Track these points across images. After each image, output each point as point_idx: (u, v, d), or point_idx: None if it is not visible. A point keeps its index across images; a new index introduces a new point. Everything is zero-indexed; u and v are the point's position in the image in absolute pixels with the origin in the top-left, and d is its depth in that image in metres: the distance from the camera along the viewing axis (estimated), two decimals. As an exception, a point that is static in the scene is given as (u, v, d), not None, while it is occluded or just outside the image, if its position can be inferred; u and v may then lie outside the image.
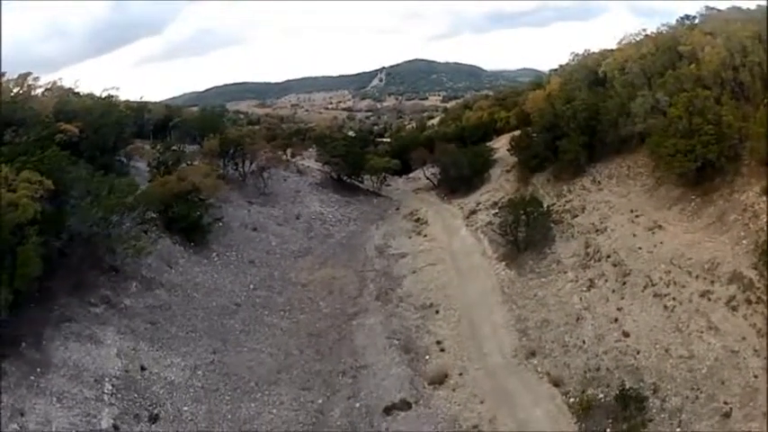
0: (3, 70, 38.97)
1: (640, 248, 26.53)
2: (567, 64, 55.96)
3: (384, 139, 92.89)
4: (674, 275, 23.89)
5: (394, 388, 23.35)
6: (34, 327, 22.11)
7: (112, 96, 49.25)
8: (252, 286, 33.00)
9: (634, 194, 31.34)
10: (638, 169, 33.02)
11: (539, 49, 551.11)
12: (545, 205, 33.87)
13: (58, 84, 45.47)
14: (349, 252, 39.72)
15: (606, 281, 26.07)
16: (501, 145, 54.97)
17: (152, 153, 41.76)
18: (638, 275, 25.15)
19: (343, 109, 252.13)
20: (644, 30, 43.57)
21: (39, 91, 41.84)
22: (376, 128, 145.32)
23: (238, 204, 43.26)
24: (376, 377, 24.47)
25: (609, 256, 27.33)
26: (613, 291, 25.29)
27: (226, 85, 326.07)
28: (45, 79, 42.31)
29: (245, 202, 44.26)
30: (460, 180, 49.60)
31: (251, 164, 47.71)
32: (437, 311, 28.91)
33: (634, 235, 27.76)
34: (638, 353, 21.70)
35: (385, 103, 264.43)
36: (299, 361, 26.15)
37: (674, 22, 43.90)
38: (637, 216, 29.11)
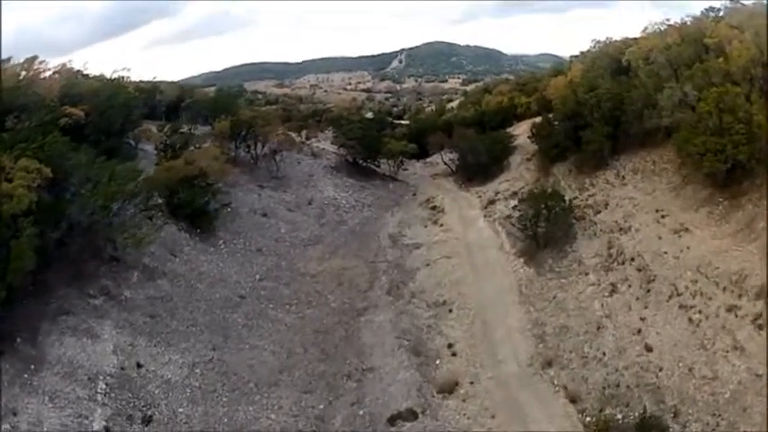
0: (9, 55, 38.38)
1: (666, 253, 24.93)
2: (588, 51, 54.79)
3: (402, 122, 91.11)
4: (701, 285, 22.32)
5: (401, 395, 22.13)
6: (30, 321, 21.13)
7: (121, 78, 48.76)
8: (258, 277, 31.84)
9: (660, 192, 29.61)
10: (664, 165, 31.28)
11: (558, 34, 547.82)
12: (567, 199, 32.30)
13: (68, 66, 45.00)
14: (361, 241, 38.51)
15: (630, 286, 24.53)
16: (521, 131, 53.33)
17: (159, 136, 40.47)
18: (663, 283, 23.59)
19: (363, 90, 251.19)
20: (667, 19, 42.16)
21: (47, 74, 41.24)
22: (395, 110, 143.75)
23: (249, 189, 42.17)
24: (382, 382, 23.25)
25: (633, 260, 25.75)
26: (637, 298, 23.76)
27: (244, 65, 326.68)
28: (57, 62, 41.44)
29: (256, 186, 43.14)
30: (479, 167, 48.10)
31: (263, 146, 46.52)
32: (450, 310, 27.63)
33: (659, 237, 26.13)
34: (660, 370, 20.22)
35: (404, 85, 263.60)
36: (303, 361, 24.97)
37: (698, 13, 42.09)
38: (662, 216, 27.45)
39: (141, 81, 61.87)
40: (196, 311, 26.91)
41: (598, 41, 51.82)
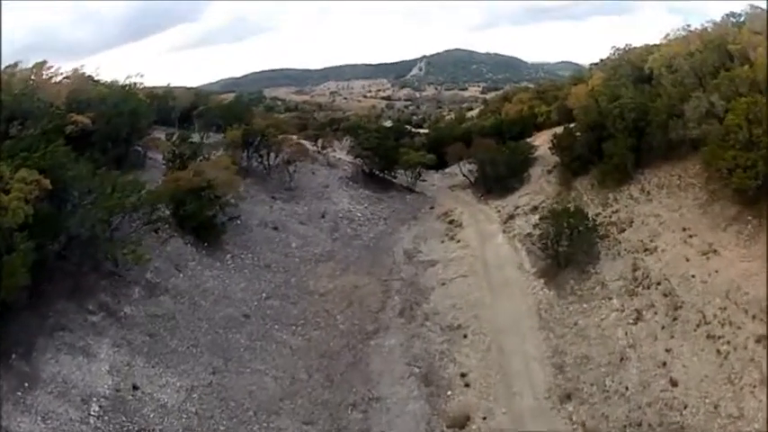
0: (18, 59, 37.92)
1: (693, 276, 23.44)
2: (608, 58, 54.30)
3: (421, 130, 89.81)
4: (730, 313, 20.89)
5: (408, 429, 20.88)
6: (27, 335, 20.28)
7: (133, 84, 48.12)
8: (264, 295, 30.56)
9: (686, 209, 28.08)
10: (690, 180, 29.81)
11: (578, 42, 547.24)
12: (590, 216, 30.77)
13: (80, 71, 44.32)
14: (375, 256, 37.18)
15: (655, 313, 23.02)
16: (541, 142, 51.70)
17: (167, 145, 39.48)
18: (691, 310, 22.12)
19: (382, 97, 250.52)
20: (688, 25, 41.07)
21: (58, 78, 40.71)
22: (414, 118, 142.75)
23: (260, 200, 41.06)
24: (389, 413, 21.96)
25: (659, 284, 24.24)
26: (663, 327, 22.25)
27: (263, 72, 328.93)
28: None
29: (268, 197, 42.02)
30: (498, 179, 46.40)
31: (276, 156, 45.43)
32: (465, 335, 26.24)
33: (687, 259, 24.62)
34: (685, 407, 18.86)
35: (424, 93, 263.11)
36: (306, 387, 23.68)
37: (718, 18, 41.01)
38: (690, 236, 25.93)
39: (155, 87, 62.13)
40: (198, 331, 25.72)
41: (618, 49, 51.78)
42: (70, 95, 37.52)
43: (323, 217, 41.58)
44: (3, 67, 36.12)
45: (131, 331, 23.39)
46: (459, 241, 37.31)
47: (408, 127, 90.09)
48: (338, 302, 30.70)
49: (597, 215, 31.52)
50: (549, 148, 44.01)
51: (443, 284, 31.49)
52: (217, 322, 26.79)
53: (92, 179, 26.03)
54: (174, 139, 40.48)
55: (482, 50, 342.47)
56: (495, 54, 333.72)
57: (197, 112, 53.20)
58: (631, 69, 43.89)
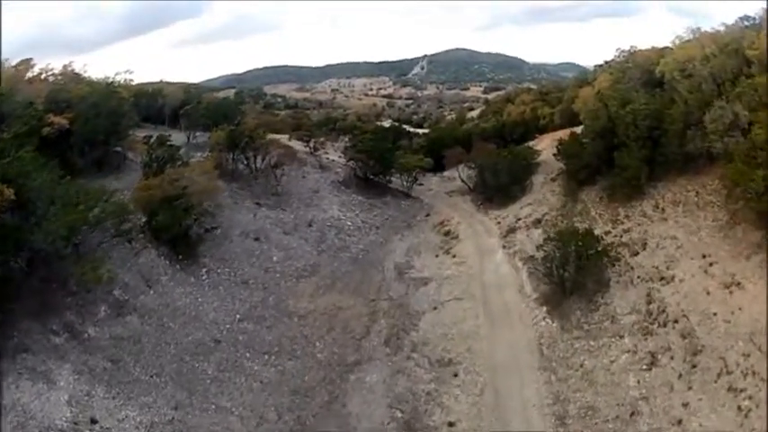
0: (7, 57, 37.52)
1: (715, 314, 20.69)
2: (613, 60, 52.97)
3: (421, 130, 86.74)
4: (753, 361, 18.34)
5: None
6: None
7: (118, 81, 45.89)
8: (238, 316, 28.12)
9: (705, 232, 25.23)
10: (708, 197, 27.05)
11: (580, 43, 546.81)
12: (598, 234, 27.98)
13: (70, 68, 43.33)
14: (363, 272, 34.55)
15: (672, 358, 20.21)
16: (545, 146, 49.06)
17: (143, 148, 36.73)
18: (712, 356, 19.41)
19: (383, 96, 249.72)
20: (698, 27, 38.21)
21: (44, 76, 39.77)
22: (415, 117, 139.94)
23: (244, 206, 38.49)
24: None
25: (676, 321, 21.41)
26: (680, 375, 19.50)
27: (265, 68, 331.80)
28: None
29: (253, 203, 39.39)
30: (499, 187, 43.59)
31: (263, 160, 42.73)
32: (456, 374, 23.48)
33: (707, 292, 21.83)
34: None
35: (426, 92, 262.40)
36: (274, 431, 21.11)
37: (728, 21, 38.26)
38: (710, 264, 23.10)
39: (147, 83, 59.68)
40: (163, 357, 23.67)
41: (623, 50, 50.31)
42: (50, 95, 36.01)
43: (310, 226, 38.94)
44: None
45: (94, 356, 21.92)
46: (455, 256, 34.65)
47: (407, 127, 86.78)
48: (318, 327, 28.18)
49: (606, 233, 28.85)
50: (554, 155, 41.21)
51: (435, 308, 28.83)
52: (185, 347, 24.70)
53: (56, 188, 24.29)
54: (152, 141, 37.66)
55: (484, 50, 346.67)
56: (498, 54, 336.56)
57: (183, 111, 50.30)
58: (641, 72, 41.19)
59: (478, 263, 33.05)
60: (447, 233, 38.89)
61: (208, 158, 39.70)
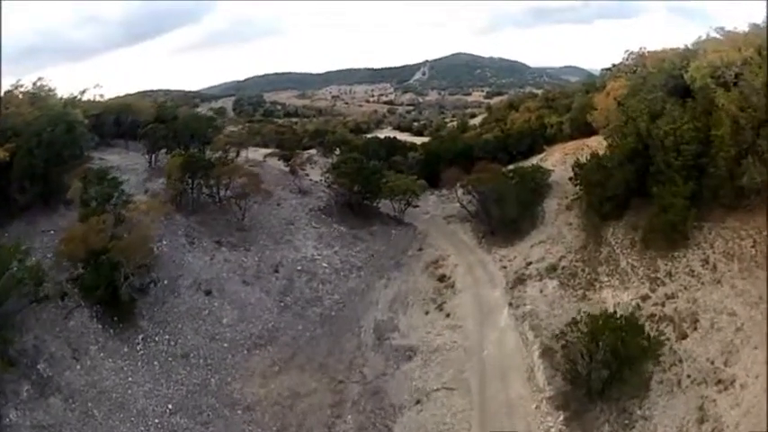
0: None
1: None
2: (621, 63, 47.90)
3: (420, 140, 79.20)
4: None
5: None
6: None
7: (78, 99, 41.50)
8: (171, 407, 21.94)
9: (770, 304, 18.25)
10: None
11: (582, 46, 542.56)
12: (635, 303, 21.22)
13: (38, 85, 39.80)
14: (334, 336, 28.05)
15: None
16: (556, 161, 42.87)
17: (76, 186, 30.18)
18: None
19: (385, 102, 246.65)
20: (721, 28, 31.04)
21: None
22: (416, 124, 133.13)
23: (201, 246, 32.12)
24: None
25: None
26: None
27: (266, 75, 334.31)
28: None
29: (213, 242, 32.94)
30: (504, 220, 36.30)
31: (226, 189, 36.27)
32: None
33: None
34: None
35: (427, 98, 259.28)
36: None
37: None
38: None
39: (113, 98, 53.94)
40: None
41: (632, 53, 46.20)
42: (-1, 122, 31.73)
43: (276, 271, 32.28)
44: None
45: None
46: (448, 315, 27.93)
47: (404, 138, 79.34)
48: (267, 423, 21.83)
49: (644, 299, 21.99)
50: (571, 179, 34.38)
51: (418, 402, 22.20)
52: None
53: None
54: (88, 175, 31.06)
55: (486, 54, 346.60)
56: (500, 58, 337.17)
57: (143, 131, 43.64)
58: (665, 78, 34.46)
59: (478, 328, 26.30)
60: (441, 278, 32.13)
61: (156, 197, 33.64)
